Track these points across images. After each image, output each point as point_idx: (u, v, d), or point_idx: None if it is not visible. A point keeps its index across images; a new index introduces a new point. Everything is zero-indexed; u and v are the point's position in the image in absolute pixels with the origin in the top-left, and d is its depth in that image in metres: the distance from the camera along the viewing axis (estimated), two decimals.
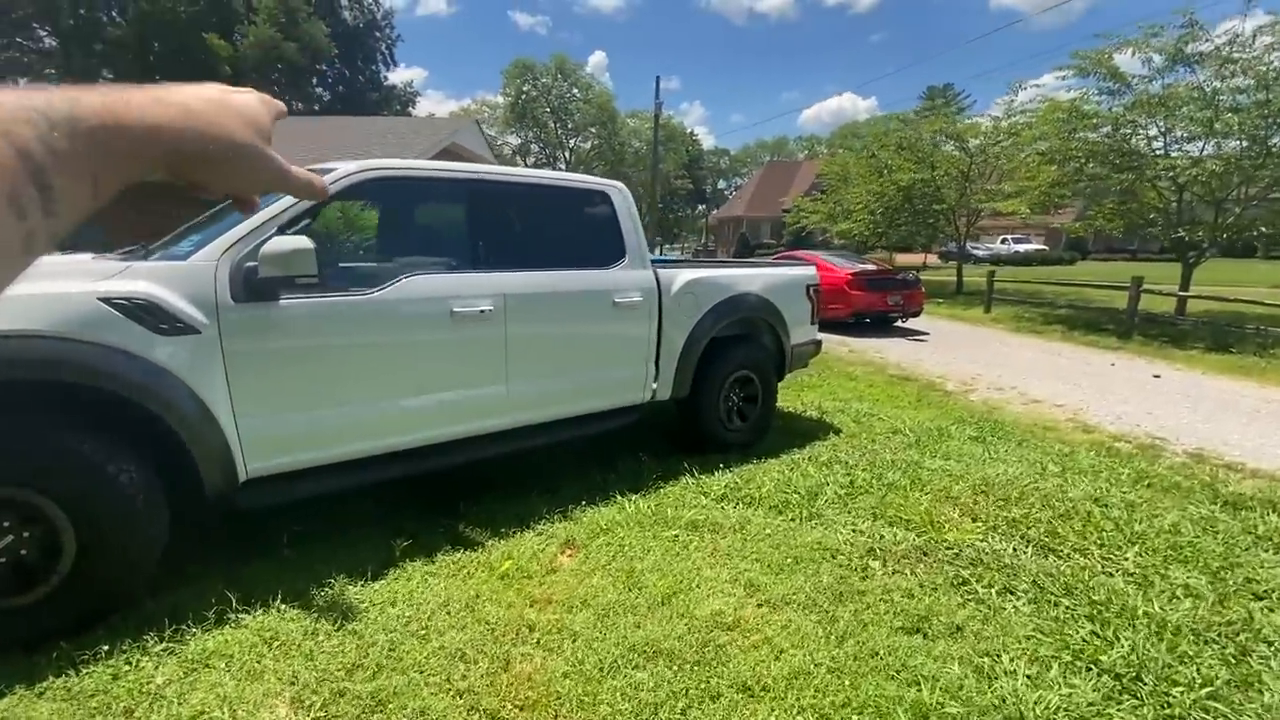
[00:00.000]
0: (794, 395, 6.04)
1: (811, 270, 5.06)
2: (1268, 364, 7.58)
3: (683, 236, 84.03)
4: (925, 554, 2.97)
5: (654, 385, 3.99)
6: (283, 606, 2.46)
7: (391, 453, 2.97)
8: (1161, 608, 2.50)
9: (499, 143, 49.91)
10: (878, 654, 2.22)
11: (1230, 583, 2.71)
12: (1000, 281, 13.88)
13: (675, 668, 2.14)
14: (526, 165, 50.42)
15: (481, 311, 3.09)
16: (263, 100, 0.50)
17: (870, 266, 10.80)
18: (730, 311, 4.26)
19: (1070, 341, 9.49)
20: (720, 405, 4.32)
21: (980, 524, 3.27)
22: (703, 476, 3.82)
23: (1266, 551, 3.02)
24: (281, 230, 2.64)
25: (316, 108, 35.45)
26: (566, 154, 51.10)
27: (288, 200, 2.71)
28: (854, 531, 3.18)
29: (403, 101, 42.21)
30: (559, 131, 49.50)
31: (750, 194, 48.94)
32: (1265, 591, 2.66)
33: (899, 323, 10.91)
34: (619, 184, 3.93)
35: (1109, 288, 11.37)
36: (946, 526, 3.24)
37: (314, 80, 35.40)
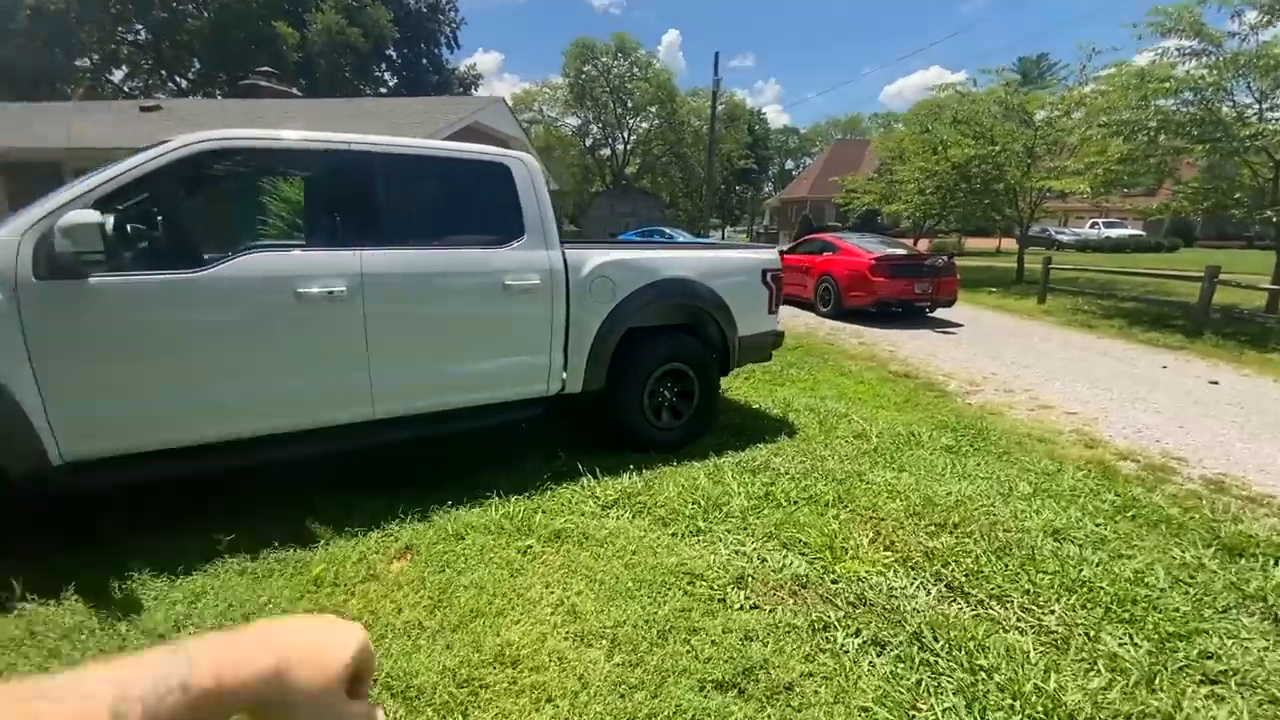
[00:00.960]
0: (767, 390, 5.57)
1: (771, 255, 4.55)
2: None
3: (745, 218, 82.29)
4: (802, 586, 2.53)
5: (564, 376, 3.66)
6: (71, 598, 2.34)
7: (234, 440, 2.80)
8: (1063, 684, 1.99)
9: (559, 123, 50.09)
10: (663, 714, 1.85)
11: (1177, 656, 2.14)
12: (1071, 270, 12.55)
13: (410, 708, 1.85)
14: (585, 145, 50.44)
15: (331, 293, 2.85)
16: (353, 636, 0.48)
17: (899, 250, 9.93)
18: (654, 298, 3.85)
19: (1126, 339, 8.39)
20: (644, 400, 3.95)
21: (891, 554, 2.78)
22: (605, 479, 3.47)
23: (1248, 617, 2.40)
24: (96, 205, 2.48)
25: (383, 90, 36.58)
26: (625, 134, 50.58)
27: (107, 173, 2.56)
28: (734, 553, 2.77)
29: (465, 84, 42.95)
30: (617, 111, 48.95)
31: (815, 174, 47.06)
32: (1220, 673, 2.08)
33: (931, 312, 10.02)
34: (523, 156, 3.60)
35: (1190, 279, 10.01)
36: (847, 554, 2.77)
37: (381, 64, 36.48)
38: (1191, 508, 3.32)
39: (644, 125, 51.05)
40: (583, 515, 3.09)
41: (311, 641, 0.46)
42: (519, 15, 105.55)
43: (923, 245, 32.02)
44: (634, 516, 3.11)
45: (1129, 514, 3.21)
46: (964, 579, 2.59)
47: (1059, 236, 34.59)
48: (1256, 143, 7.96)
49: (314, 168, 3.07)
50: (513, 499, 3.21)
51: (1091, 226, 33.67)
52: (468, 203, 3.48)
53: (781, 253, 11.55)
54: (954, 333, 8.74)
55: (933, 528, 3.03)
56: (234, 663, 0.41)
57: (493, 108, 13.67)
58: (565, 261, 3.56)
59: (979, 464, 3.90)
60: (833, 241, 10.39)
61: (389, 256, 3.04)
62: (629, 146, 51.48)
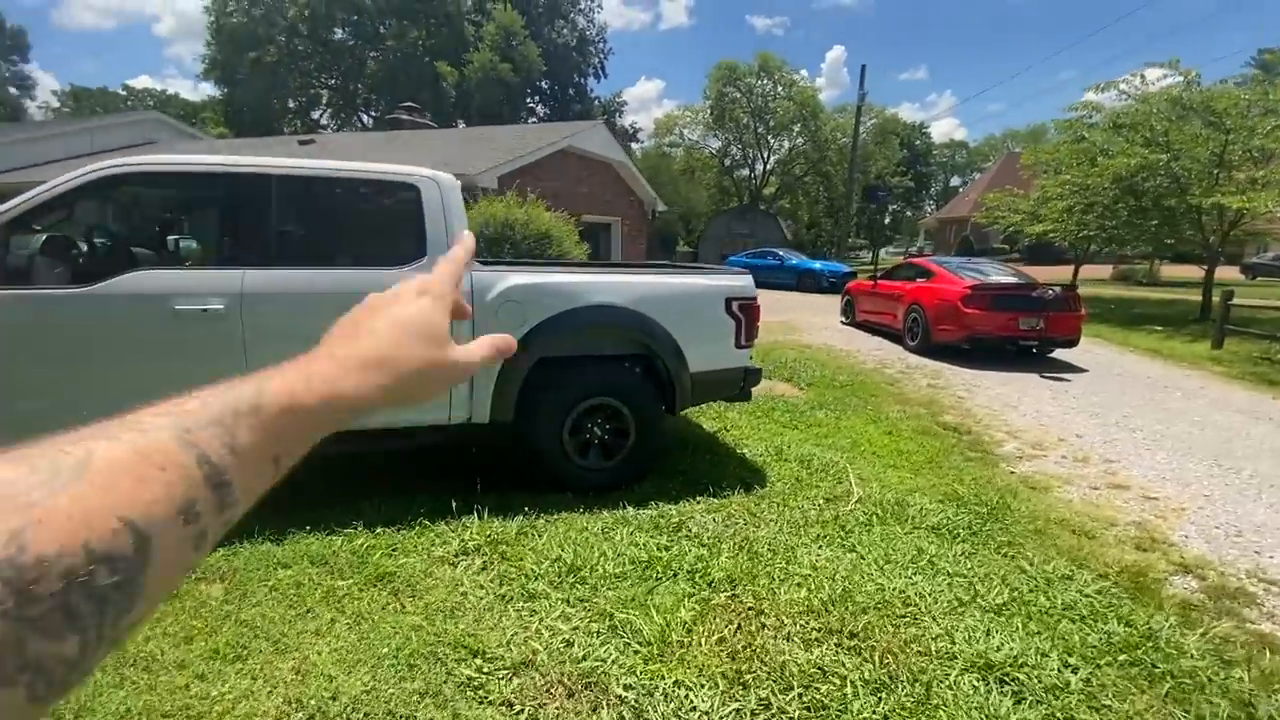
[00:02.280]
0: (771, 432, 4.94)
1: (740, 282, 4.00)
2: None
3: (898, 239, 76.71)
4: (587, 686, 2.08)
5: (468, 405, 3.47)
6: None
7: None
8: None
9: (699, 146, 50.41)
10: None
11: None
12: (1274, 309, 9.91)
13: None
14: (723, 166, 50.20)
15: (205, 310, 2.92)
16: (437, 295, 0.49)
17: (1006, 279, 8.44)
18: (573, 326, 3.53)
19: None
20: (565, 437, 3.62)
21: (730, 663, 2.21)
22: (493, 520, 3.21)
23: None
24: (5, 226, 2.76)
25: (532, 120, 39.46)
26: (765, 154, 49.64)
27: (22, 197, 2.83)
28: (546, 629, 2.36)
29: (609, 110, 44.94)
30: (758, 131, 48.21)
31: (979, 191, 42.68)
32: None
33: (1048, 353, 8.39)
34: (437, 175, 3.47)
35: None
36: (675, 653, 2.25)
37: (533, 95, 39.41)
38: (1241, 658, 2.29)
39: (785, 144, 49.76)
40: (428, 559, 2.85)
41: (390, 328, 0.45)
42: (681, 43, 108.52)
43: (1100, 272, 27.52)
44: (481, 569, 2.80)
45: (1127, 656, 2.28)
46: (800, 716, 1.97)
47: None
48: None
49: (212, 190, 3.19)
50: (374, 530, 3.05)
51: None
52: (368, 223, 3.43)
53: (875, 279, 10.48)
54: (1066, 380, 7.21)
55: (819, 634, 2.38)
56: (309, 381, 0.40)
57: (590, 132, 14.01)
58: (473, 284, 3.37)
59: (961, 554, 3.05)
60: (927, 266, 9.14)
61: (272, 276, 3.06)
62: (768, 167, 50.39)
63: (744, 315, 3.97)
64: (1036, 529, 3.36)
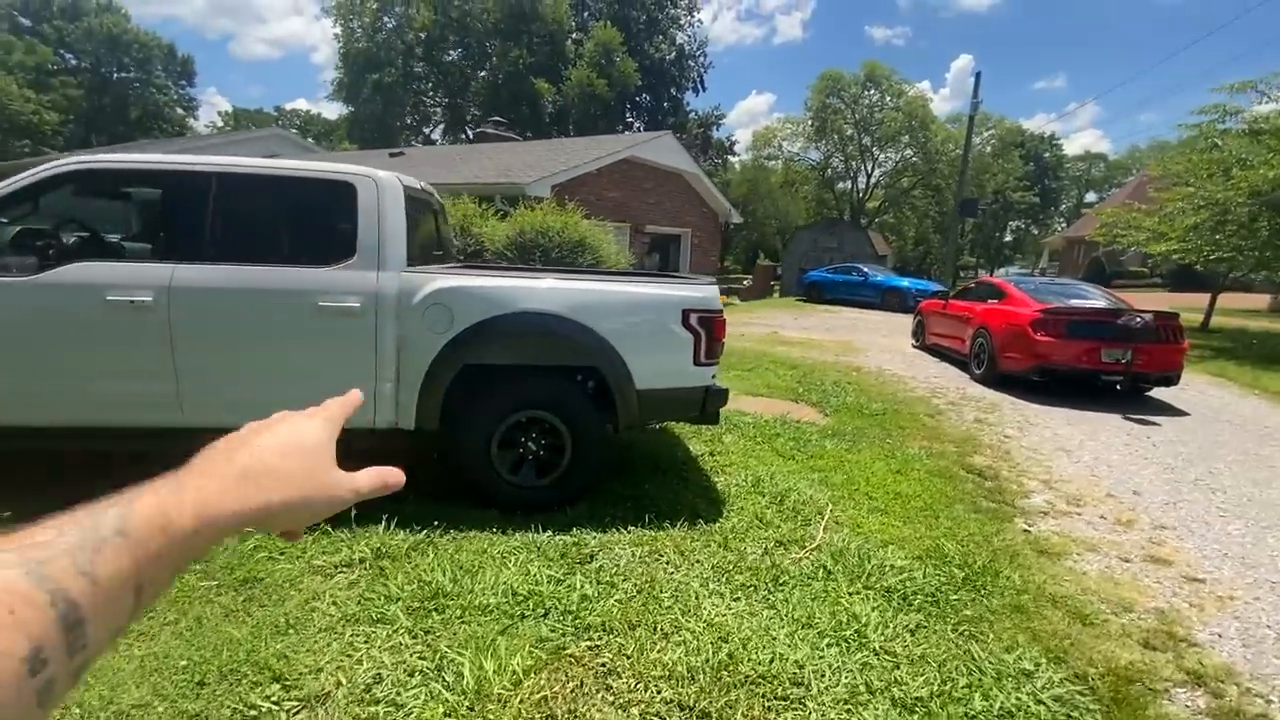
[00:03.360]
0: (763, 459, 4.50)
1: (699, 293, 3.64)
2: None
3: (1019, 259, 70.52)
4: None
5: (394, 409, 3.37)
6: None
7: (43, 428, 3.11)
8: None
9: (799, 159, 49.02)
10: None
11: None
12: None
13: None
14: (823, 179, 48.41)
15: (133, 302, 3.02)
16: (327, 421, 0.50)
17: (1092, 303, 7.30)
18: (504, 333, 3.34)
19: None
20: (493, 450, 3.43)
21: None
22: (397, 532, 3.07)
23: None
24: None
25: (628, 133, 40.14)
26: (868, 166, 47.43)
27: None
28: (346, 658, 2.16)
29: (705, 123, 44.79)
30: (862, 143, 46.14)
31: (1112, 208, 38.60)
32: None
33: (1146, 390, 7.17)
34: (376, 175, 3.42)
35: None
36: (484, 705, 1.97)
37: (630, 109, 40.07)
38: None
39: (893, 156, 47.30)
40: (305, 567, 2.74)
41: (275, 451, 0.44)
42: (796, 56, 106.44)
43: (1254, 302, 23.58)
44: (349, 585, 2.66)
45: None
46: None
47: None
48: None
49: (157, 187, 3.31)
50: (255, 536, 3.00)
51: None
52: (304, 221, 3.43)
53: (944, 298, 9.50)
54: (1154, 424, 6.08)
55: (662, 708, 2.01)
56: (180, 501, 0.38)
57: (654, 142, 13.89)
58: (401, 286, 3.28)
59: (906, 627, 2.54)
60: (1000, 286, 8.14)
61: (200, 272, 3.11)
62: (872, 179, 48.05)
63: (704, 330, 3.61)
64: (1019, 604, 2.74)
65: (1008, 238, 67.09)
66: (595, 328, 3.40)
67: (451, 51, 34.36)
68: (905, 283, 17.67)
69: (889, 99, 45.07)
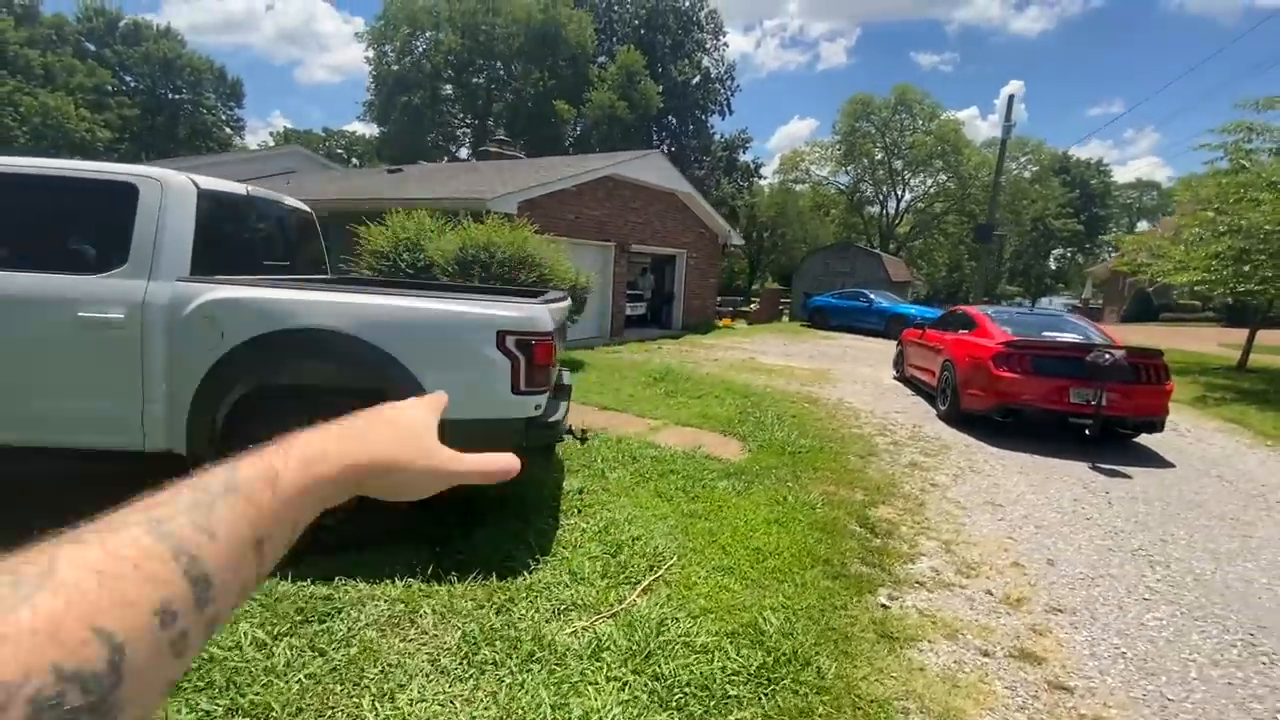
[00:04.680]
0: (636, 502, 4.01)
1: (520, 313, 3.22)
2: None
3: (1062, 289, 67.68)
4: None
5: (166, 432, 3.04)
6: None
7: None
8: None
9: (827, 183, 48.27)
10: None
11: None
12: None
13: None
14: (852, 202, 47.47)
15: None
16: (429, 407, 0.54)
17: (1067, 337, 6.55)
18: (280, 351, 2.98)
19: None
20: None
21: None
22: None
23: None
24: None
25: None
26: (899, 190, 46.40)
27: None
28: None
29: (731, 146, 44.59)
30: (892, 167, 45.19)
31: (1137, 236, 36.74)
32: None
33: (1133, 435, 6.37)
34: (164, 176, 3.12)
35: None
36: None
37: (655, 131, 40.16)
38: None
39: (925, 181, 46.14)
40: None
41: (389, 422, 0.47)
42: (841, 82, 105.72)
43: None
44: None
45: None
46: None
47: None
48: None
49: None
50: None
51: None
52: (72, 225, 3.15)
53: (924, 327, 8.81)
54: (1122, 477, 5.32)
55: None
56: (324, 456, 0.40)
57: (642, 160, 13.57)
58: (174, 297, 2.96)
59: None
60: (972, 316, 7.45)
61: None
62: (902, 204, 46.88)
63: (523, 354, 3.18)
64: (808, 708, 2.19)
65: (1051, 265, 64.62)
66: (385, 347, 3.01)
67: (478, 75, 35.11)
68: (912, 309, 16.84)
69: (920, 122, 44.16)
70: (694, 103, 39.09)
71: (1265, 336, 17.88)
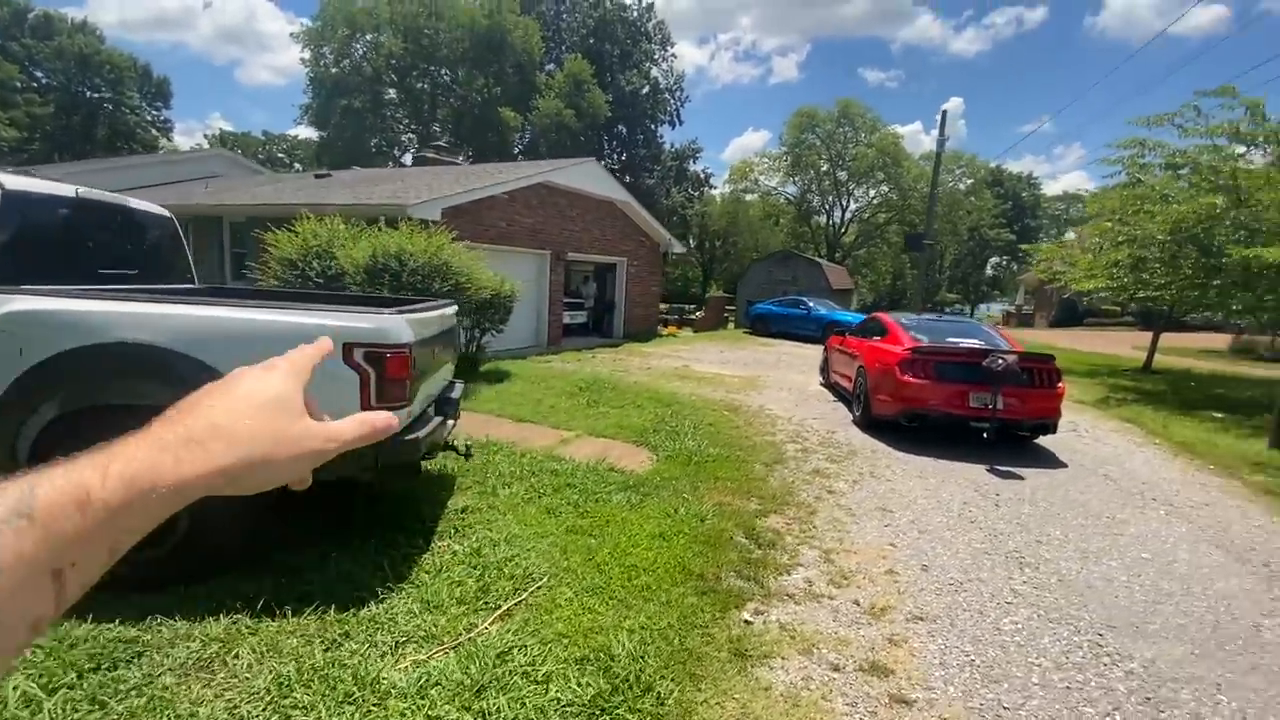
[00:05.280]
0: (519, 520, 3.83)
1: (370, 324, 3.04)
2: None
3: (1001, 297, 70.75)
4: None
5: None
6: None
7: None
8: None
9: (776, 192, 49.27)
10: None
11: None
12: None
13: None
14: (800, 212, 48.55)
15: None
16: (288, 371, 0.45)
17: (969, 343, 6.74)
18: (88, 368, 2.72)
19: None
20: None
21: None
22: None
23: None
24: None
25: (604, 164, 40.23)
26: (844, 201, 47.74)
27: None
28: None
29: (681, 156, 44.99)
30: (837, 178, 46.47)
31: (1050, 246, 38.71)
32: None
33: (1034, 439, 6.58)
34: None
35: None
36: None
37: (607, 139, 40.14)
38: None
39: (868, 192, 47.61)
40: None
41: (237, 406, 0.40)
42: (794, 96, 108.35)
43: (1220, 342, 23.24)
44: None
45: None
46: None
47: None
48: None
49: None
50: None
51: None
52: None
53: (845, 334, 8.95)
54: (1016, 479, 5.46)
55: None
56: (155, 470, 0.35)
57: (577, 168, 13.48)
58: None
59: None
60: (884, 323, 7.60)
61: None
62: (847, 214, 48.23)
63: (374, 367, 3.00)
64: None
65: (988, 273, 67.52)
66: (213, 364, 2.78)
67: (422, 80, 34.45)
68: (847, 317, 17.19)
69: (862, 135, 45.58)
70: (643, 112, 39.29)
71: (1173, 339, 18.96)
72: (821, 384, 10.00)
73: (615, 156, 40.83)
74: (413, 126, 35.86)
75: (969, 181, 50.14)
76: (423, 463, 4.36)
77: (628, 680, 2.37)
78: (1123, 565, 3.74)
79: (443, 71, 33.14)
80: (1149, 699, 2.44)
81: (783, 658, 2.61)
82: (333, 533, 3.46)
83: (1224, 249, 9.04)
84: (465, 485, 4.54)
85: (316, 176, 16.10)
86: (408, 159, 38.88)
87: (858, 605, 3.09)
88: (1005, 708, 2.36)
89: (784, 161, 47.65)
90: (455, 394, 4.48)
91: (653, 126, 41.02)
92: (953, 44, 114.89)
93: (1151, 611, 3.18)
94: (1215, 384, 12.28)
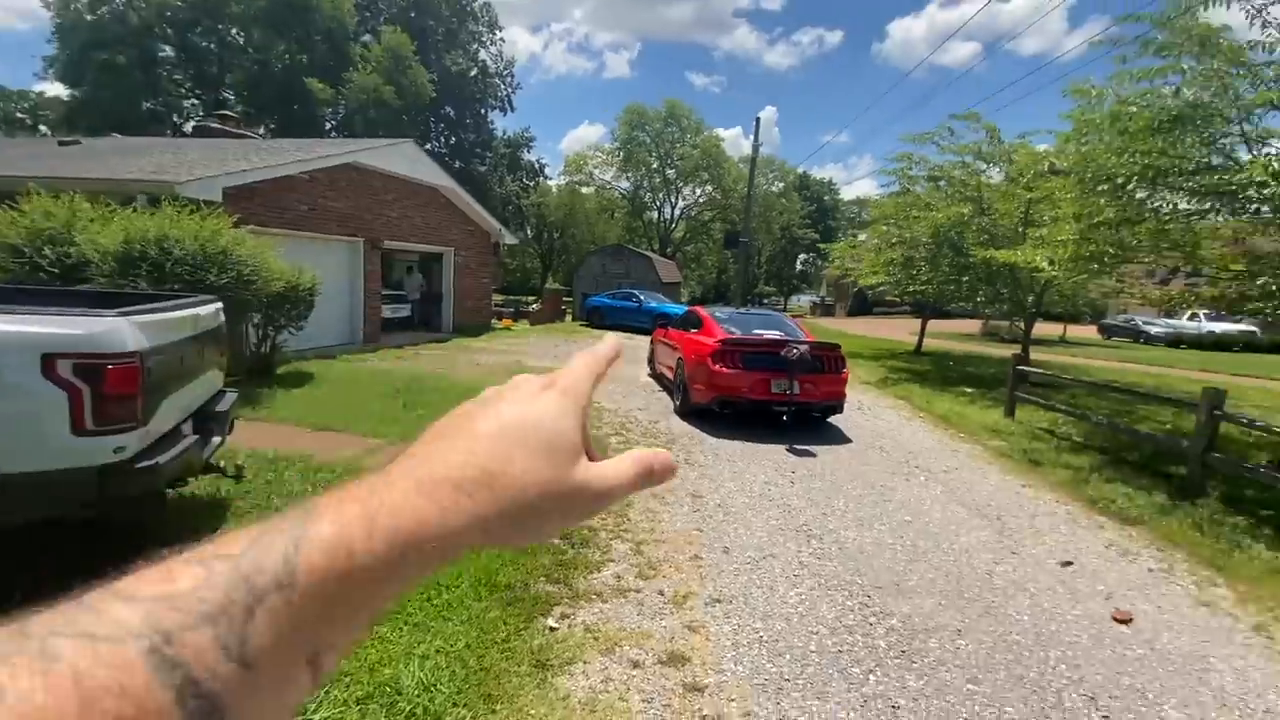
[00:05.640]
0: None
1: (81, 329, 2.47)
2: None
3: (808, 290, 79.04)
4: None
5: None
6: None
7: None
8: None
9: (610, 187, 50.18)
10: None
11: None
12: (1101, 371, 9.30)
13: None
14: (633, 207, 50.00)
15: None
16: (569, 399, 0.35)
17: (771, 334, 7.39)
18: None
19: (1072, 494, 5.42)
20: None
21: None
22: None
23: None
24: None
25: (428, 148, 37.83)
26: (674, 199, 50.00)
27: None
28: None
29: (513, 145, 43.93)
30: (667, 176, 48.54)
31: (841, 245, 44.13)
32: None
33: (824, 418, 7.35)
34: None
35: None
36: None
37: (433, 123, 37.80)
38: None
39: (696, 191, 50.29)
40: None
41: (496, 435, 0.32)
42: (625, 92, 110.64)
43: (972, 327, 28.19)
44: None
45: None
46: None
47: (1148, 328, 29.61)
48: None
49: None
50: None
51: (1191, 318, 28.52)
52: None
53: (667, 326, 9.34)
54: (810, 456, 6.06)
55: None
56: (373, 521, 0.27)
57: (392, 150, 12.49)
58: None
59: None
60: (701, 316, 8.03)
61: None
62: (677, 211, 50.64)
63: (88, 382, 2.44)
64: None
65: (798, 269, 75.07)
66: None
67: (208, 39, 29.70)
68: (674, 309, 17.99)
69: (688, 136, 48.05)
70: (472, 96, 37.64)
71: (939, 325, 22.42)
72: (649, 374, 10.32)
73: (443, 140, 38.77)
74: (197, 91, 30.80)
75: (781, 185, 55.11)
76: (185, 486, 3.72)
77: (414, 715, 2.18)
78: (889, 529, 4.28)
79: (234, 31, 28.81)
80: (904, 652, 2.79)
81: (584, 662, 2.58)
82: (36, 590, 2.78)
83: (971, 250, 10.84)
84: (242, 510, 3.95)
85: (60, 143, 13.12)
86: (190, 127, 33.41)
87: (662, 595, 3.17)
88: (786, 679, 2.54)
89: (617, 157, 48.69)
90: (224, 406, 3.87)
91: (483, 111, 39.53)
92: (767, 56, 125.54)
93: (910, 570, 3.66)
94: (968, 363, 14.74)
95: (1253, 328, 27.25)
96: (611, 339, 0.42)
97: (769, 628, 2.92)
